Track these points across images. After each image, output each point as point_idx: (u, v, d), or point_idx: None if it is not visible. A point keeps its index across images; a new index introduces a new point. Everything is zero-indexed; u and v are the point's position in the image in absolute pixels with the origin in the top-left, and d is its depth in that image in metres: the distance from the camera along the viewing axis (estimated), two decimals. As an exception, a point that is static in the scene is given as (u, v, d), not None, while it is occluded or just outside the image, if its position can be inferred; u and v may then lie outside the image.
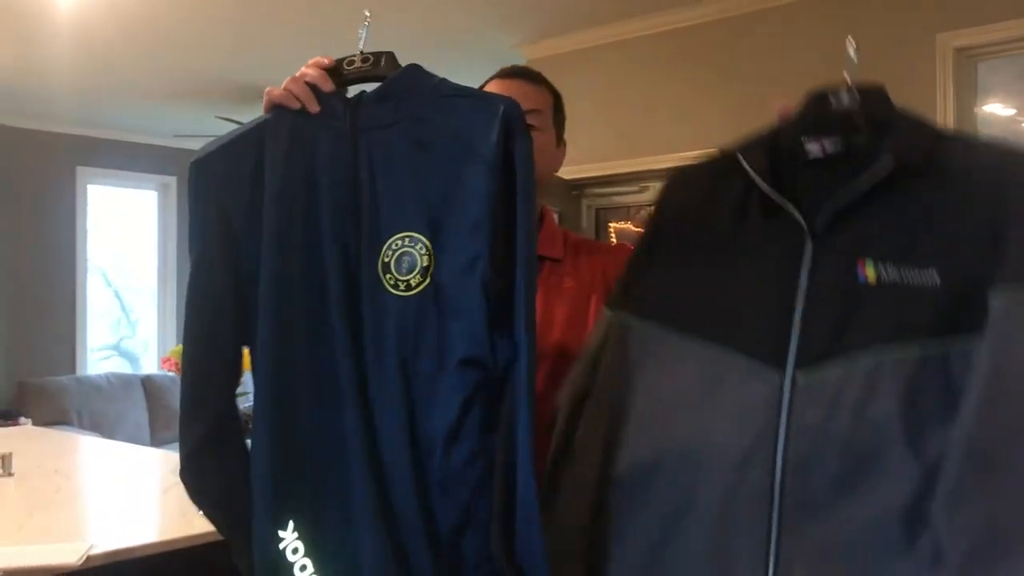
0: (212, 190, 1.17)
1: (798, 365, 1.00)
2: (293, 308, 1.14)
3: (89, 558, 1.79)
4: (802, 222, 1.06)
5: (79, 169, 6.86)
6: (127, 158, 7.11)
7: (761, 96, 3.92)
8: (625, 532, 1.08)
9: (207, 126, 6.28)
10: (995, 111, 5.87)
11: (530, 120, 1.42)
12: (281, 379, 1.14)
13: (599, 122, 4.75)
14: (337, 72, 1.20)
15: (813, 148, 1.10)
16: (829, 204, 1.04)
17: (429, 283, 1.10)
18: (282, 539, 1.12)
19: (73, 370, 6.62)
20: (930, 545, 0.90)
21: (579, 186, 5.03)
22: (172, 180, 7.30)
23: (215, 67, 5.31)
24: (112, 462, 3.24)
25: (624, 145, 4.70)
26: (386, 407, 1.10)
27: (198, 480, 1.16)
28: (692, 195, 1.18)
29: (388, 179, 1.13)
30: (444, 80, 1.17)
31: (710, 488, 1.02)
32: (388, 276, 1.11)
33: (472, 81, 1.37)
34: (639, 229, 4.98)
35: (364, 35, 1.23)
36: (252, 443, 1.15)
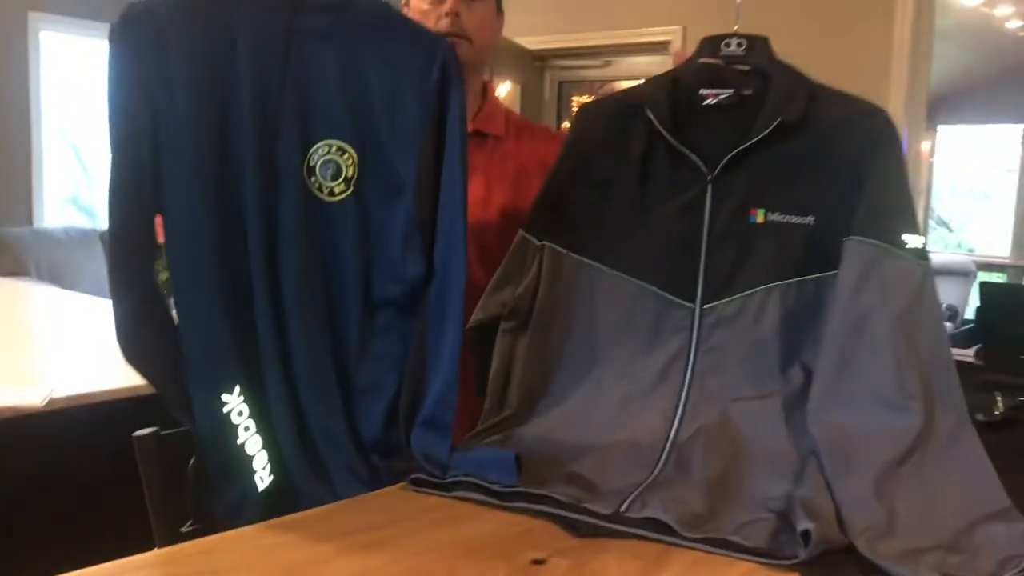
0: (137, 50, 1.15)
1: (704, 300, 1.22)
2: (207, 197, 1.15)
3: (51, 400, 1.84)
4: (704, 169, 1.23)
5: (31, 15, 6.61)
6: (83, 4, 6.85)
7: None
8: (556, 420, 1.22)
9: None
10: (962, 0, 5.85)
11: None
12: (192, 269, 1.17)
13: (567, -8, 4.69)
14: None
15: (709, 98, 1.27)
16: (724, 153, 1.22)
17: (351, 192, 1.16)
18: (226, 403, 1.17)
19: (30, 223, 6.57)
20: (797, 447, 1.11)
21: (543, 57, 5.02)
22: (128, 31, 7.08)
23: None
24: (70, 312, 3.29)
25: (590, 18, 4.66)
26: (300, 294, 1.17)
27: (132, 345, 1.18)
28: (606, 132, 1.31)
29: (318, 87, 1.15)
30: (387, 5, 1.20)
31: (631, 391, 1.21)
32: (313, 179, 1.15)
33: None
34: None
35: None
36: (181, 316, 1.19)
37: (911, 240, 1.13)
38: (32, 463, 1.88)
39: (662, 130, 1.25)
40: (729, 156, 1.22)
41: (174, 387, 1.19)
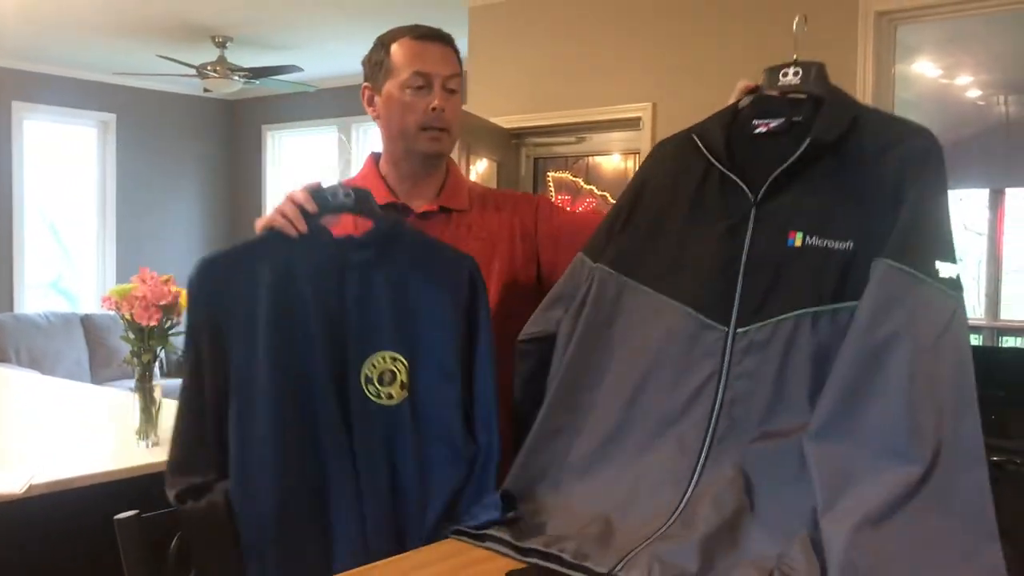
0: (208, 297, 1.33)
1: (738, 324, 1.20)
2: (288, 420, 1.32)
3: (31, 487, 1.84)
4: (749, 194, 1.24)
5: (15, 104, 6.73)
6: (65, 94, 6.96)
7: (695, 52, 4.04)
8: (581, 432, 1.26)
9: (148, 64, 6.21)
10: (924, 71, 6.05)
11: (452, 85, 1.56)
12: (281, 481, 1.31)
13: (541, 72, 4.83)
14: (322, 200, 1.38)
15: (760, 127, 1.29)
16: (764, 177, 1.22)
17: (407, 396, 1.34)
18: None
19: (11, 308, 6.57)
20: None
21: (519, 135, 5.13)
22: (112, 117, 7.18)
23: (157, 3, 5.24)
24: (51, 397, 3.29)
25: (564, 96, 4.79)
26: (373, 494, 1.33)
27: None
28: (667, 167, 1.36)
29: (370, 310, 1.35)
30: (415, 231, 1.43)
31: (663, 413, 1.22)
32: (371, 387, 1.33)
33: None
34: (577, 179, 5.11)
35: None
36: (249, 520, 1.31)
37: (944, 269, 1.06)
38: (13, 549, 1.87)
39: (710, 156, 1.29)
40: (770, 179, 1.22)
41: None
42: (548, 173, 5.20)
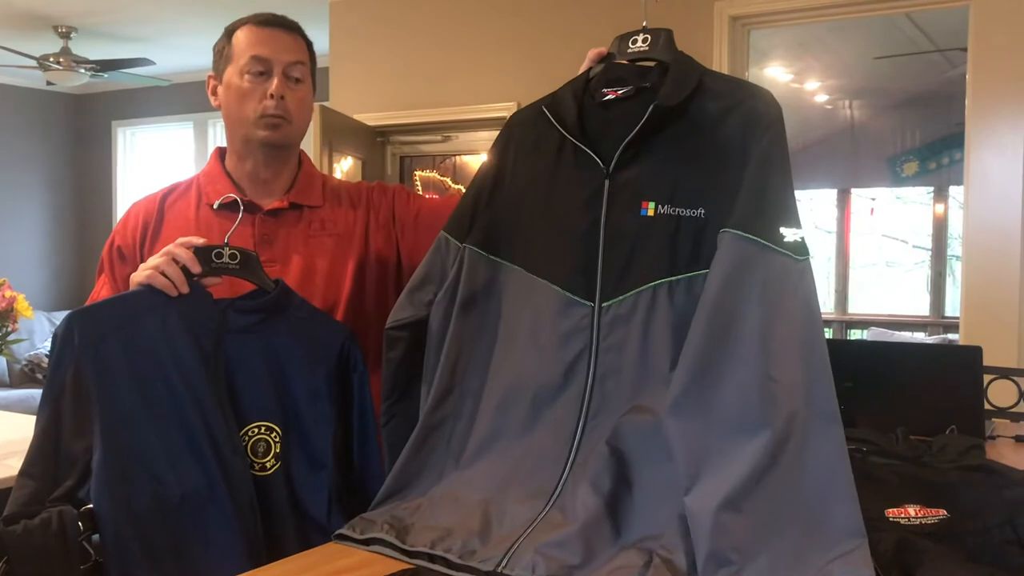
0: (76, 354, 1.27)
1: (603, 298, 1.19)
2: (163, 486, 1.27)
3: None
4: (601, 165, 1.22)
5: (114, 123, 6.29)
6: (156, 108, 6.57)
7: (550, 52, 4.07)
8: (472, 425, 1.24)
9: (-16, 54, 5.82)
10: (776, 75, 6.29)
11: (296, 73, 1.50)
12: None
13: (405, 70, 4.79)
14: (206, 260, 1.36)
15: (609, 95, 1.27)
16: (616, 147, 1.20)
17: (280, 466, 1.33)
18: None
19: None
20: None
21: (384, 133, 5.06)
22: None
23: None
24: None
25: (429, 94, 4.74)
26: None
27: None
28: (524, 141, 1.32)
29: (245, 375, 1.34)
30: (303, 301, 1.41)
31: (539, 390, 1.20)
32: (248, 459, 1.32)
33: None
34: (444, 178, 5.08)
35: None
36: None
37: (789, 234, 1.06)
38: None
39: (561, 129, 1.26)
40: (620, 149, 1.20)
41: None
42: (415, 172, 5.14)
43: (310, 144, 4.29)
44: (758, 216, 1.08)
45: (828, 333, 7.67)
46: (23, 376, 5.96)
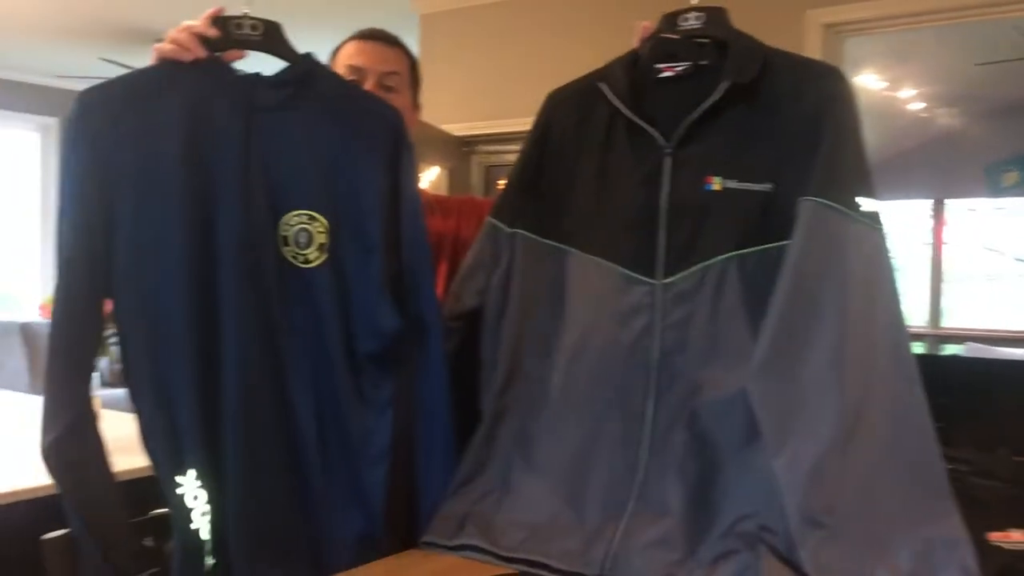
0: (92, 139, 1.17)
1: (665, 275, 1.19)
2: (177, 273, 1.18)
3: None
4: (661, 141, 1.21)
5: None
6: (6, 97, 6.80)
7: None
8: (538, 410, 1.24)
9: (91, 67, 6.07)
10: (868, 83, 6.14)
11: (389, 82, 1.53)
12: (157, 344, 1.19)
13: (491, 81, 4.83)
14: (224, 29, 1.23)
15: (665, 71, 1.26)
16: (680, 124, 1.20)
17: (327, 258, 1.21)
18: (180, 484, 1.20)
19: (-54, 315, 6.37)
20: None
21: (470, 143, 5.11)
22: (54, 121, 7.01)
23: (100, 5, 5.13)
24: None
25: (515, 104, 4.77)
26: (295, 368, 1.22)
27: (63, 463, 1.17)
28: (568, 118, 1.30)
29: (283, 160, 1.20)
30: (334, 74, 1.30)
31: (604, 371, 1.20)
32: (288, 249, 1.21)
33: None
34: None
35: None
36: (138, 396, 1.21)
37: (866, 203, 1.09)
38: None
39: (619, 105, 1.24)
40: (685, 125, 1.20)
41: (93, 505, 1.18)
42: (499, 182, 5.18)
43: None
44: (836, 185, 1.09)
45: (920, 347, 7.44)
46: (120, 376, 6.19)
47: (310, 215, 1.21)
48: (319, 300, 1.21)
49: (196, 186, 1.18)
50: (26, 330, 6.36)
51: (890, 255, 1.08)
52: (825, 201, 1.08)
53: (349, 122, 1.23)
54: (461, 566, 1.11)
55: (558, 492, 1.16)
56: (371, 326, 1.22)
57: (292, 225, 1.21)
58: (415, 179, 1.26)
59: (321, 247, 1.21)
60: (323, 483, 1.21)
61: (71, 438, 1.16)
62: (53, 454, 1.15)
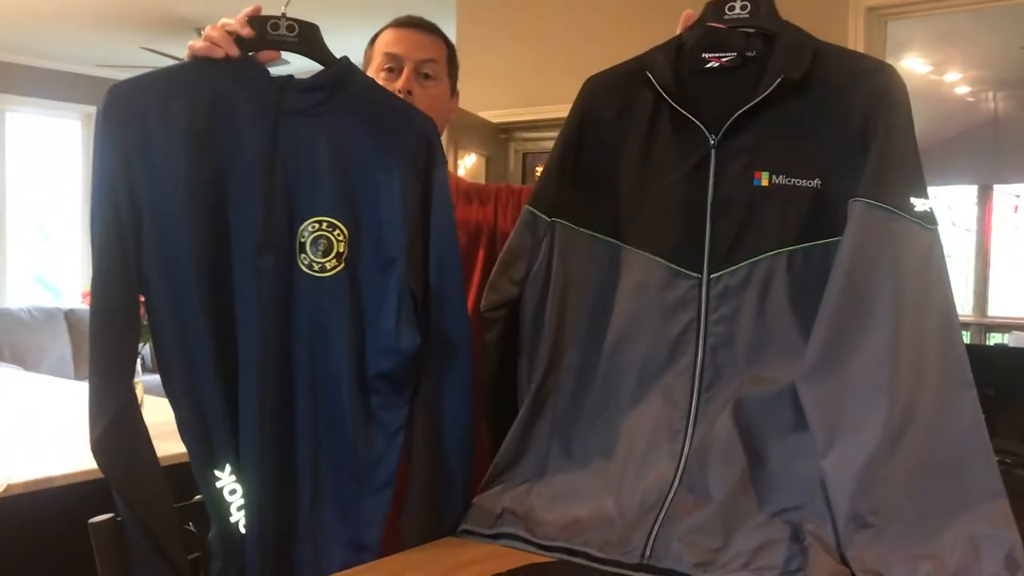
0: (120, 133, 1.16)
1: (711, 270, 1.17)
2: (198, 272, 1.18)
3: (8, 487, 1.80)
4: (707, 133, 1.19)
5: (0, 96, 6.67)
6: (49, 86, 6.91)
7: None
8: (577, 400, 1.23)
9: (132, 56, 6.15)
10: (913, 67, 6.04)
11: (426, 69, 1.53)
12: (183, 345, 1.19)
13: (528, 68, 4.81)
14: (260, 29, 1.23)
15: (711, 61, 1.23)
16: (727, 116, 1.18)
17: (343, 267, 1.18)
18: (219, 479, 1.21)
19: (-6, 302, 6.51)
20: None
21: (507, 130, 5.11)
22: (95, 110, 7.14)
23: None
24: (33, 394, 3.25)
25: (552, 91, 4.75)
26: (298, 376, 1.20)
27: (111, 456, 1.18)
28: (608, 105, 1.27)
29: (307, 165, 1.19)
30: (368, 80, 1.27)
31: (648, 363, 1.19)
32: (303, 256, 1.18)
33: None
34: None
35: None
36: (173, 395, 1.21)
37: (919, 204, 1.07)
38: (-10, 550, 1.83)
39: (664, 94, 1.21)
40: (733, 118, 1.18)
41: (140, 493, 1.20)
42: (537, 168, 5.18)
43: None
44: (889, 186, 1.08)
45: (965, 336, 7.31)
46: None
47: (331, 222, 1.19)
48: (330, 310, 1.19)
49: (217, 186, 1.17)
50: (70, 317, 6.48)
51: (944, 255, 1.07)
52: (876, 202, 1.07)
53: (379, 130, 1.21)
54: (500, 554, 1.11)
55: (597, 482, 1.15)
56: (386, 343, 1.18)
57: (311, 232, 1.19)
58: (448, 194, 1.23)
59: (339, 256, 1.19)
60: (311, 510, 1.20)
61: (116, 431, 1.17)
62: (100, 448, 1.17)
